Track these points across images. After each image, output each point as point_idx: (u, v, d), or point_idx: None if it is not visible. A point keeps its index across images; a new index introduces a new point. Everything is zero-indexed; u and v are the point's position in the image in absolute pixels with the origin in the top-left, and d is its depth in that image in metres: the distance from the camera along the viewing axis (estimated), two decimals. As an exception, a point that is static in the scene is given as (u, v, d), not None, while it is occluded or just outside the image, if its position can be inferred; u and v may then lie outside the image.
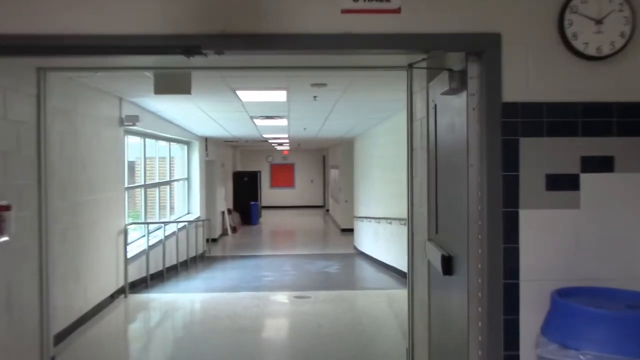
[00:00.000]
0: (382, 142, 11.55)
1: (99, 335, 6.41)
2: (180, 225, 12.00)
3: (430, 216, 3.98)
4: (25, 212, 4.55)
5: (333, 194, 24.26)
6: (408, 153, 4.73)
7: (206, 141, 15.83)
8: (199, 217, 14.38)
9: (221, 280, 10.59)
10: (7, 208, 4.10)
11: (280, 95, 7.79)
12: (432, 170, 3.92)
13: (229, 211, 20.42)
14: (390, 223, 10.54)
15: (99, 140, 7.24)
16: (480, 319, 3.07)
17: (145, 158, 10.22)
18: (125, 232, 8.30)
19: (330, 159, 26.37)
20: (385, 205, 11.12)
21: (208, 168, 16.68)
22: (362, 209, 14.54)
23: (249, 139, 17.01)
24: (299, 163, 31.06)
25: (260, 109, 9.22)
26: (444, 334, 3.72)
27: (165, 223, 11.09)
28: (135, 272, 8.91)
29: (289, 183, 31.12)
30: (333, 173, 24.20)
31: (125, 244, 8.26)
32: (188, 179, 14.52)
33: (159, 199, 11.56)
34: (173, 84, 5.25)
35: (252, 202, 22.54)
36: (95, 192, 7.07)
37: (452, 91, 3.27)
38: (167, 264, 10.63)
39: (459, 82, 3.18)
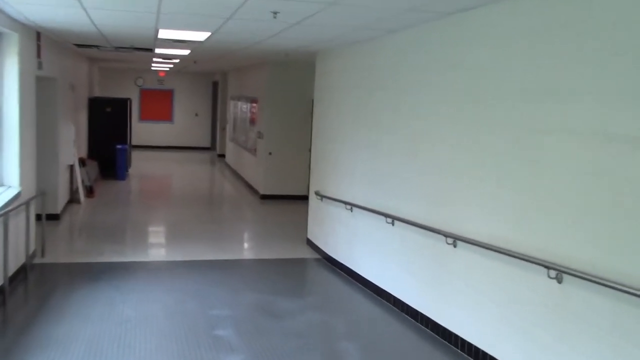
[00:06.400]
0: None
1: None
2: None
3: None
4: None
5: (237, 137, 17.03)
6: None
7: (38, 38, 8.00)
8: (18, 194, 6.80)
9: None
10: None
11: None
12: None
13: (83, 162, 12.63)
14: (559, 279, 3.85)
15: None
16: None
17: None
18: None
19: (230, 86, 18.91)
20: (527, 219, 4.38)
21: (43, 91, 8.86)
22: (348, 188, 7.71)
23: (125, 42, 9.31)
24: (179, 90, 23.18)
25: None
26: None
27: None
28: None
29: (166, 116, 23.25)
30: (238, 107, 16.88)
31: None
32: (-7, 112, 6.80)
33: None
34: None
35: (119, 146, 14.74)
36: None
37: None
38: None
39: None
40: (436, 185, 5.47)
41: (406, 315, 5.98)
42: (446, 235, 5.11)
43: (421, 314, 5.71)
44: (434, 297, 5.51)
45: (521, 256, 4.17)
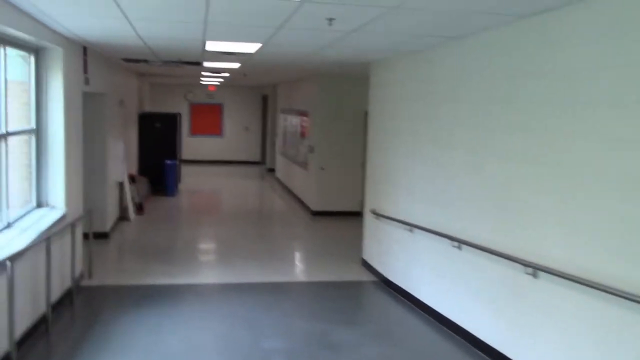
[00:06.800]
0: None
1: None
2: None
3: None
4: None
5: (287, 151, 16.69)
6: None
7: (85, 53, 7.80)
8: (63, 215, 6.54)
9: None
10: None
11: None
12: None
13: (132, 178, 12.48)
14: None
15: None
16: None
17: None
18: None
19: (280, 100, 18.62)
20: None
21: (91, 107, 8.71)
22: (407, 207, 7.19)
23: (172, 55, 9.07)
24: (229, 104, 23.06)
25: None
26: None
27: None
28: None
29: (216, 130, 23.14)
30: (288, 121, 16.56)
31: None
32: (39, 131, 6.57)
33: None
34: None
35: (169, 161, 14.59)
36: None
37: None
38: None
39: None
40: (508, 205, 4.90)
41: (476, 349, 5.40)
42: (524, 264, 4.53)
43: (495, 350, 5.12)
44: (510, 331, 4.92)
45: (623, 294, 3.57)
